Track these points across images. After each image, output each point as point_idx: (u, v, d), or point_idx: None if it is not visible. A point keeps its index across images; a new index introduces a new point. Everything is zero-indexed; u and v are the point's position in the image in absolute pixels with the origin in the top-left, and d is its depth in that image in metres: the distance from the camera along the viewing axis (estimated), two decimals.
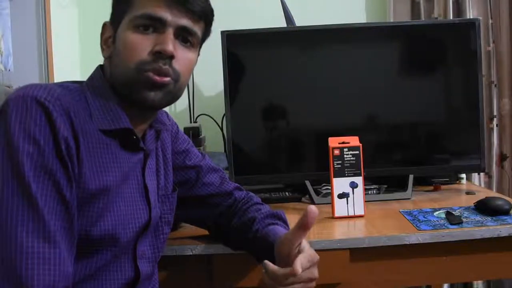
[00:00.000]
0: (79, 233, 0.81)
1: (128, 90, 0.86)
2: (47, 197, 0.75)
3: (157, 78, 0.84)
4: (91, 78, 0.91)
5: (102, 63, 0.93)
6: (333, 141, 1.35)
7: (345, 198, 1.32)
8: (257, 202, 1.13)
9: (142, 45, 0.84)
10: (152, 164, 0.97)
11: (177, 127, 1.12)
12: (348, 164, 1.33)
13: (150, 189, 0.94)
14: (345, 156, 1.33)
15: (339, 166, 1.33)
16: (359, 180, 1.33)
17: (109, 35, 0.89)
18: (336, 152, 1.33)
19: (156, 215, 0.96)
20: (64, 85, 0.86)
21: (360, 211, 1.32)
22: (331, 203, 1.32)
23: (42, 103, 0.77)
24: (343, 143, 1.34)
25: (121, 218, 0.87)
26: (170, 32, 0.85)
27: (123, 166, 0.88)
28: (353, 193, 1.32)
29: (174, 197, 1.03)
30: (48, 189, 0.75)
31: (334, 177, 1.33)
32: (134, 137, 0.90)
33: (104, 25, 0.91)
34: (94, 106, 0.86)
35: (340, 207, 1.32)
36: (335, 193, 1.32)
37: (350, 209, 1.32)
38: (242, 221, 1.08)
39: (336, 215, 1.31)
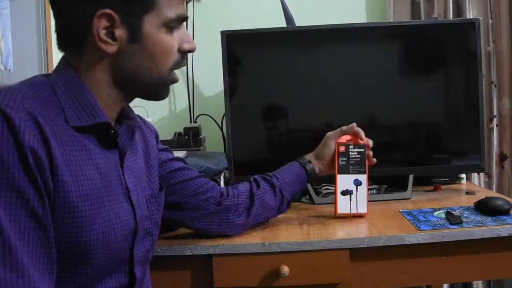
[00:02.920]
0: (68, 244, 0.76)
1: (152, 90, 0.86)
2: (16, 216, 0.68)
3: (177, 76, 0.87)
4: (59, 72, 0.82)
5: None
6: (340, 138, 1.34)
7: (349, 195, 1.31)
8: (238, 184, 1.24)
9: (174, 46, 0.85)
10: (132, 163, 0.91)
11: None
12: (353, 162, 1.32)
13: (131, 189, 0.88)
14: (350, 153, 1.32)
15: (344, 162, 1.32)
16: (363, 178, 1.32)
17: (115, 27, 0.80)
18: (342, 148, 1.32)
19: (141, 216, 0.90)
20: (28, 82, 0.80)
21: (363, 209, 1.31)
22: (334, 200, 1.31)
23: (3, 111, 0.70)
24: (349, 140, 1.34)
25: (110, 222, 0.82)
26: (184, 26, 0.86)
27: (101, 167, 0.81)
28: (356, 191, 1.32)
29: (161, 197, 0.99)
30: (16, 208, 0.69)
31: (339, 173, 1.31)
32: (112, 131, 0.84)
33: (103, 14, 0.78)
34: (65, 101, 0.79)
35: (343, 204, 1.31)
36: (339, 189, 1.31)
37: (353, 207, 1.31)
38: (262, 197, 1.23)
39: (339, 211, 1.30)
